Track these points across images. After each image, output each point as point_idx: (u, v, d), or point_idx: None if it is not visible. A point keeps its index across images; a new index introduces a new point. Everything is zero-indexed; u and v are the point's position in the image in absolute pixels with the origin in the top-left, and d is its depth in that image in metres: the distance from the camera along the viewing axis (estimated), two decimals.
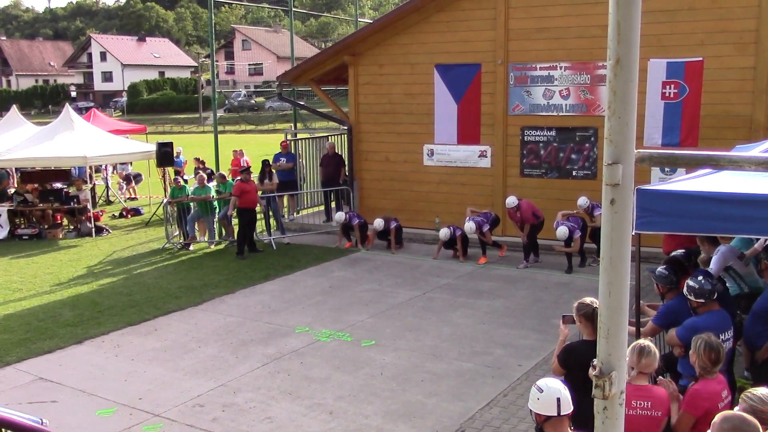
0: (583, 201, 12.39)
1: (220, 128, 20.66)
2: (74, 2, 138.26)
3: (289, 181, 16.55)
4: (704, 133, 12.32)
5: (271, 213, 15.74)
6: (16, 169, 20.01)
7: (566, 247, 12.33)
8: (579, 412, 4.22)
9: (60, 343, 9.42)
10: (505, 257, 13.39)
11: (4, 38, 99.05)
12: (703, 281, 5.78)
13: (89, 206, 17.57)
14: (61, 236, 16.93)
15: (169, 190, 16.42)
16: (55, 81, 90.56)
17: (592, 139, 13.49)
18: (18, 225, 17.35)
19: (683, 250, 7.47)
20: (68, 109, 19.19)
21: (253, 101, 65.64)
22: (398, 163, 15.42)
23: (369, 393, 7.64)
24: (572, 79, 13.46)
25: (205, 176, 16.03)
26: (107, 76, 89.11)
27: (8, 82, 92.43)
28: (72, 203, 17.59)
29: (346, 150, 16.56)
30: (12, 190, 19.30)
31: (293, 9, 21.54)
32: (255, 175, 15.35)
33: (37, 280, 12.79)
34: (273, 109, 57.28)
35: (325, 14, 76.15)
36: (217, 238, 15.53)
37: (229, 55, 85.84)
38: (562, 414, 4.11)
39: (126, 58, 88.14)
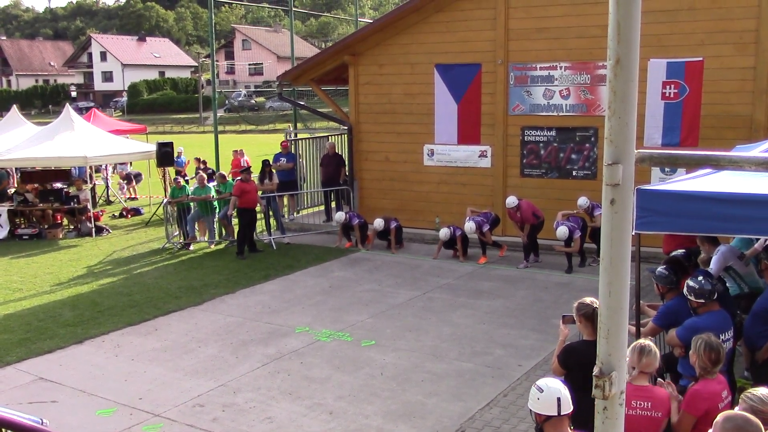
0: (583, 201, 12.39)
1: (220, 128, 20.65)
2: (74, 2, 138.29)
3: (289, 181, 16.55)
4: (704, 133, 12.32)
5: (271, 213, 15.74)
6: (16, 169, 20.03)
7: (566, 247, 12.33)
8: (579, 412, 4.22)
9: (60, 343, 9.42)
10: (505, 257, 13.39)
11: (4, 38, 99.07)
12: (703, 281, 5.78)
13: (89, 206, 17.57)
14: (61, 236, 16.93)
15: (169, 190, 16.42)
16: (55, 81, 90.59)
17: (593, 139, 13.49)
18: (18, 225, 17.35)
19: (683, 250, 7.47)
20: (68, 109, 19.20)
21: (253, 101, 65.64)
22: (398, 163, 15.42)
23: (369, 393, 7.64)
24: (572, 79, 13.46)
25: (205, 176, 16.04)
26: (107, 76, 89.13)
27: (8, 82, 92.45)
28: (72, 203, 17.59)
29: (346, 150, 16.56)
30: (12, 190, 19.31)
31: (293, 9, 21.56)
32: (255, 175, 15.35)
33: (37, 280, 12.80)
34: (273, 109, 57.28)
35: (325, 14, 76.13)
36: (217, 238, 15.53)
37: (229, 55, 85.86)
38: (562, 414, 4.11)
39: (126, 58, 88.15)
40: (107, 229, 17.42)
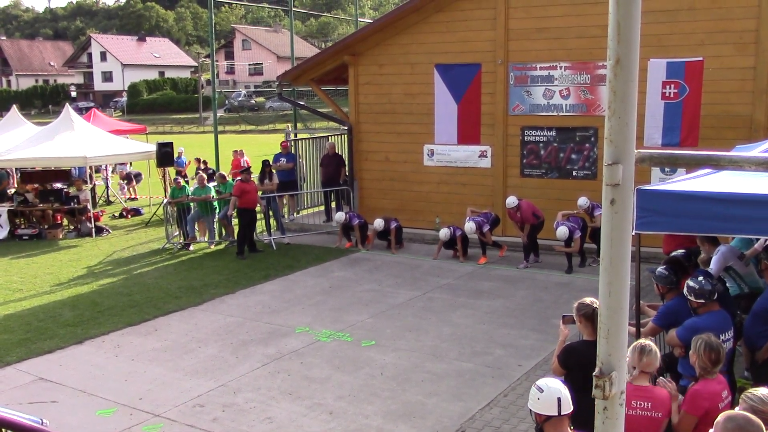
0: (583, 201, 12.39)
1: (220, 128, 20.66)
2: (74, 2, 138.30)
3: (289, 181, 16.56)
4: (704, 133, 12.32)
5: (271, 213, 15.73)
6: (16, 169, 20.02)
7: (566, 247, 12.33)
8: (579, 412, 4.22)
9: (60, 343, 9.42)
10: (505, 257, 13.39)
11: (4, 38, 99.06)
12: (703, 281, 5.78)
13: (89, 206, 17.58)
14: (61, 236, 16.93)
15: (169, 190, 16.42)
16: (55, 81, 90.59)
17: (592, 139, 13.49)
18: (18, 225, 17.35)
19: (683, 250, 7.47)
20: (68, 109, 19.20)
21: (253, 101, 65.64)
22: (398, 163, 15.42)
23: (369, 393, 7.64)
24: (572, 79, 13.46)
25: (205, 176, 16.04)
26: (107, 76, 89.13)
27: (8, 82, 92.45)
28: (72, 203, 17.59)
29: (346, 150, 16.56)
30: (12, 190, 19.30)
31: (293, 9, 21.55)
32: (255, 176, 15.35)
33: (37, 280, 12.80)
34: (273, 109, 57.27)
35: (325, 14, 76.10)
36: (217, 238, 15.53)
37: (229, 55, 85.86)
38: (562, 414, 4.11)
39: (126, 58, 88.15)
40: (107, 230, 17.42)
